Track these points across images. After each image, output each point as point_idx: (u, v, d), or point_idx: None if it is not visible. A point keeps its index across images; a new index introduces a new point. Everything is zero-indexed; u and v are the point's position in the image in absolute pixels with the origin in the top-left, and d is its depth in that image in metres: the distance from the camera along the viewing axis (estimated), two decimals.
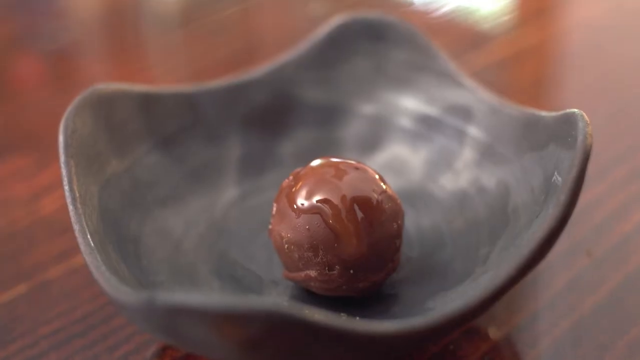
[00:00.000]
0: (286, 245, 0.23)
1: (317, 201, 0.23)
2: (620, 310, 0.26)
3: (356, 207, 0.23)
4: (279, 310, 0.16)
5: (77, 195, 0.22)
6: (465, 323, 0.21)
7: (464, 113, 0.30)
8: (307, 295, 0.25)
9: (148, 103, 0.28)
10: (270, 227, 0.25)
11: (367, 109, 0.32)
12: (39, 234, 0.31)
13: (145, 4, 0.64)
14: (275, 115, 0.31)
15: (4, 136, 0.40)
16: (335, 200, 0.23)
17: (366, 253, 0.23)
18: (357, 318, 0.24)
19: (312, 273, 0.23)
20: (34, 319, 0.26)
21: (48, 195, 0.33)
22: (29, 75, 0.51)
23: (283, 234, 0.24)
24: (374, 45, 0.32)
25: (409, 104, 0.31)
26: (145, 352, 0.25)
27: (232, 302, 0.16)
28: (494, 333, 0.25)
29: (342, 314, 0.24)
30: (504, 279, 0.19)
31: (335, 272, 0.23)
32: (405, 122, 0.31)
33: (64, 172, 0.23)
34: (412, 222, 0.28)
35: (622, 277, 0.28)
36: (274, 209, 0.25)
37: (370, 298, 0.25)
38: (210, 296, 0.17)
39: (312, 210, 0.23)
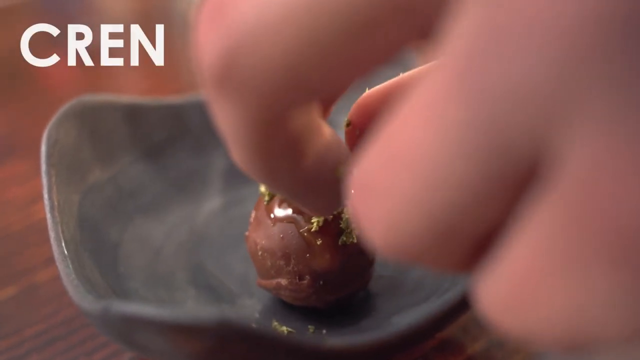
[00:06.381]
0: (260, 252, 0.24)
1: (294, 211, 0.24)
2: None
3: (331, 220, 0.23)
4: (228, 322, 0.17)
5: (56, 203, 0.23)
6: (418, 342, 0.22)
7: None
8: (281, 306, 0.26)
9: (134, 114, 0.29)
10: (247, 233, 0.25)
11: None
12: (32, 238, 0.32)
13: (174, 6, 0.65)
14: None
15: (8, 139, 0.42)
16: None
17: (338, 267, 0.23)
18: (324, 331, 0.24)
19: (283, 281, 0.24)
20: (20, 320, 0.27)
21: (43, 200, 0.34)
22: (44, 78, 0.52)
23: (258, 241, 0.24)
24: None
25: None
26: (121, 357, 0.25)
27: (182, 314, 0.17)
28: (467, 347, 0.26)
29: (309, 326, 0.24)
30: (454, 301, 0.19)
31: (305, 281, 0.23)
32: None
33: (44, 181, 0.24)
34: None
35: None
36: (252, 216, 0.25)
37: (341, 310, 0.25)
38: (162, 308, 0.17)
39: (287, 219, 0.23)
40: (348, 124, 0.18)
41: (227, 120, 0.13)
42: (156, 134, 0.30)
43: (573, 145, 0.09)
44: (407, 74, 0.17)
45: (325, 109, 0.16)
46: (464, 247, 0.10)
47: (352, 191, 0.11)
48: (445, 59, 0.10)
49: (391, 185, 0.10)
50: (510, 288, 0.10)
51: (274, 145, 0.13)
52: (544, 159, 0.09)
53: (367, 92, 0.18)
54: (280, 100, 0.12)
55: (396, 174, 0.10)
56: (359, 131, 0.18)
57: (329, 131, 0.15)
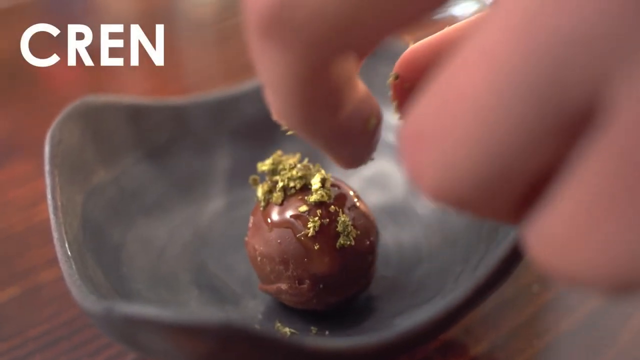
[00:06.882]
0: (259, 258, 0.24)
1: (290, 216, 0.24)
2: (595, 333, 0.26)
3: (328, 224, 0.23)
4: (230, 324, 0.17)
5: (59, 204, 0.23)
6: (421, 343, 0.22)
7: None
8: (284, 307, 0.26)
9: (137, 115, 0.29)
10: (246, 239, 0.25)
11: None
12: (34, 239, 0.32)
13: (178, 7, 0.65)
14: (264, 128, 0.32)
15: (9, 140, 0.42)
16: (308, 216, 0.23)
17: (337, 270, 0.23)
18: (327, 332, 0.24)
19: (283, 286, 0.24)
20: (23, 320, 0.27)
21: (45, 201, 0.34)
22: (44, 78, 0.52)
23: (256, 247, 0.24)
24: (365, 60, 0.33)
25: (396, 119, 0.32)
26: (124, 357, 0.25)
27: (185, 315, 0.17)
28: (469, 349, 0.26)
29: (312, 327, 0.24)
30: (457, 303, 0.19)
31: (305, 286, 0.23)
32: (391, 137, 0.32)
33: (48, 181, 0.24)
34: (393, 238, 0.28)
35: (599, 301, 0.28)
36: (251, 221, 0.25)
37: (344, 312, 0.25)
38: (165, 309, 0.17)
39: (284, 224, 0.23)
40: (396, 77, 0.18)
41: (271, 67, 0.13)
42: (159, 134, 0.30)
43: (629, 93, 0.09)
44: (453, 26, 0.17)
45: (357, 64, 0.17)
46: (515, 193, 0.11)
47: (403, 140, 0.11)
48: (506, 4, 0.10)
49: (445, 128, 0.10)
50: (563, 229, 0.10)
51: (316, 94, 0.14)
52: (600, 105, 0.09)
53: (413, 45, 0.18)
54: (328, 47, 0.12)
55: (451, 117, 0.10)
56: (407, 84, 0.18)
57: (361, 84, 0.16)
